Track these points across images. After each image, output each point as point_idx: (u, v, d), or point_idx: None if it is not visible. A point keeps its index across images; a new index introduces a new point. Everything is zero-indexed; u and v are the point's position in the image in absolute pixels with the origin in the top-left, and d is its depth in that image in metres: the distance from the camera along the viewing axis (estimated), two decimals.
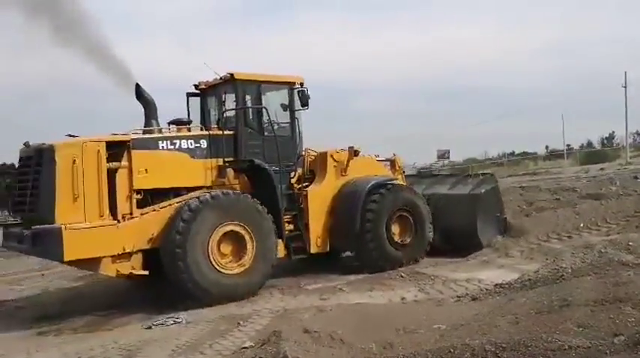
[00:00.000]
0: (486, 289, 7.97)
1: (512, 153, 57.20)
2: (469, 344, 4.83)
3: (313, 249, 10.49)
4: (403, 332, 6.15)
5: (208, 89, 10.88)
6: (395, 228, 10.96)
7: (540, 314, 5.62)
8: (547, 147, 58.83)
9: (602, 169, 25.81)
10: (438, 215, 11.60)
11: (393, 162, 12.42)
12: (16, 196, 9.36)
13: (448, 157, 51.37)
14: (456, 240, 11.65)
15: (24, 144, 9.22)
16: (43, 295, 11.61)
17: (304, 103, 10.49)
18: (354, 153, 11.09)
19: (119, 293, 10.69)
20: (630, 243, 7.78)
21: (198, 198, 9.05)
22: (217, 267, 8.95)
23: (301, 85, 10.58)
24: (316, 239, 10.51)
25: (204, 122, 10.81)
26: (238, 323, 7.51)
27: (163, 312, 8.59)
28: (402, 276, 9.98)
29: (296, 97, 10.54)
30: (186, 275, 8.65)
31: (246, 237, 9.26)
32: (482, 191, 12.04)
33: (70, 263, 8.48)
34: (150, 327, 7.91)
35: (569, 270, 7.17)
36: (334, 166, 10.91)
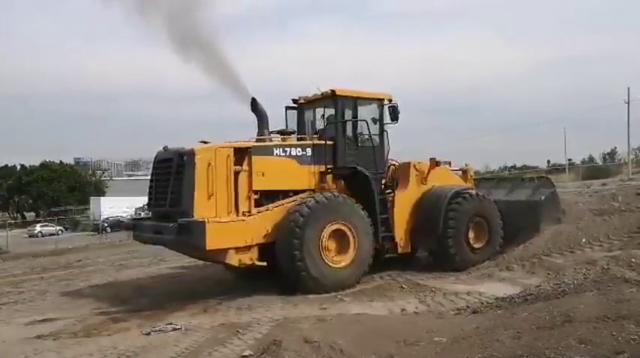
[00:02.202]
0: (487, 302, 7.91)
1: (514, 167, 57.19)
2: None
3: (399, 250, 11.45)
4: (404, 345, 6.11)
5: (307, 103, 12.08)
6: (471, 233, 11.83)
7: (542, 330, 5.58)
8: (549, 162, 58.78)
9: (604, 184, 25.73)
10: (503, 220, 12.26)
11: (465, 172, 13.37)
12: (154, 193, 10.60)
13: None
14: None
15: (163, 149, 10.54)
16: (41, 298, 11.61)
17: (394, 118, 11.48)
18: (435, 163, 12.12)
19: (120, 298, 10.69)
20: (633, 260, 7.72)
21: (314, 198, 10.19)
22: (326, 260, 10.05)
23: (389, 101, 11.67)
24: (400, 240, 11.47)
25: (301, 132, 11.90)
26: (238, 332, 7.46)
27: (163, 319, 8.56)
28: (402, 288, 9.94)
29: (386, 112, 11.62)
30: (302, 265, 9.74)
31: (349, 236, 10.37)
32: (543, 197, 12.69)
33: (209, 252, 9.41)
34: (149, 333, 7.86)
35: (572, 286, 7.13)
36: (416, 175, 11.95)
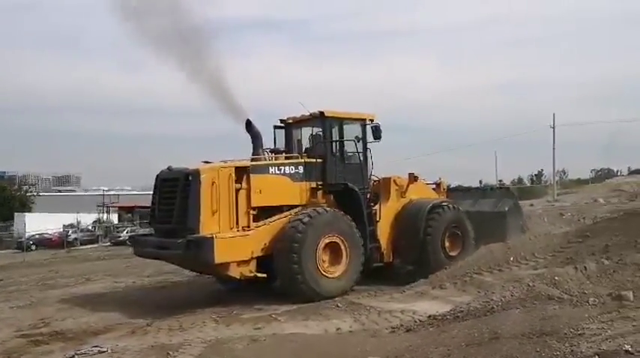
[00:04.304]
0: (420, 320, 8.03)
1: (449, 186, 58.59)
2: None
3: (384, 259, 12.37)
4: None
5: (294, 123, 12.82)
6: (447, 242, 12.85)
7: (471, 347, 5.72)
8: (480, 182, 60.71)
9: (531, 205, 26.84)
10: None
11: (439, 185, 14.50)
12: (158, 210, 11.18)
13: None
14: None
15: (167, 168, 11.20)
16: None
17: (377, 136, 12.22)
18: (414, 178, 13.17)
19: (43, 320, 10.15)
20: (556, 278, 8.04)
21: (308, 213, 10.85)
22: (322, 271, 10.79)
23: (371, 121, 12.38)
24: (385, 250, 12.39)
25: (289, 151, 12.63)
26: (168, 354, 7.23)
27: (88, 341, 8.19)
28: (337, 306, 9.95)
29: (369, 131, 12.33)
30: (300, 276, 10.43)
31: (342, 248, 11.15)
32: (507, 208, 13.85)
33: (217, 266, 10.04)
34: (73, 357, 7.49)
35: (499, 303, 7.34)
36: (396, 189, 12.91)
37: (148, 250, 11.48)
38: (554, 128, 47.37)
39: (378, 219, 12.31)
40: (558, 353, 5.11)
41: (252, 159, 11.58)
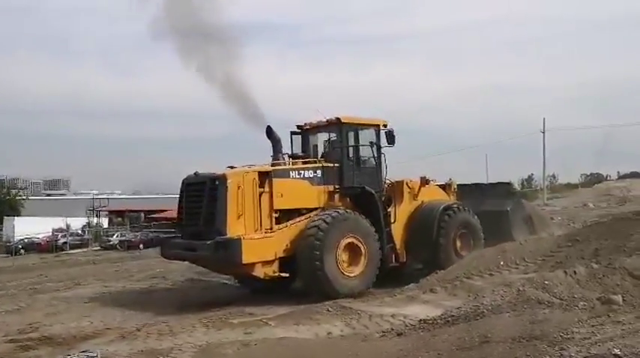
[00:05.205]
0: (411, 325, 8.03)
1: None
2: None
3: (400, 260, 12.81)
4: None
5: (311, 129, 13.29)
6: (458, 242, 13.30)
7: (462, 350, 5.74)
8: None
9: None
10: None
11: (449, 186, 14.84)
12: (185, 214, 11.74)
13: None
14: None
15: (194, 174, 11.77)
16: None
17: (391, 141, 12.66)
18: (425, 182, 13.60)
19: (32, 325, 10.06)
20: (546, 282, 8.08)
21: (331, 214, 11.37)
22: (342, 270, 11.25)
23: (385, 126, 12.82)
24: (399, 251, 12.81)
25: (306, 156, 12.99)
26: None
27: (77, 346, 8.12)
28: (328, 310, 9.91)
29: (382, 136, 12.77)
30: (321, 272, 10.88)
31: (361, 248, 11.61)
32: (508, 208, 14.47)
33: (244, 266, 10.57)
34: None
35: (490, 307, 7.37)
36: (408, 192, 13.35)
37: (176, 252, 11.99)
38: (544, 132, 47.78)
39: (393, 221, 12.79)
40: (548, 356, 5.14)
41: (273, 164, 12.14)
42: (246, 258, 10.44)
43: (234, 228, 10.68)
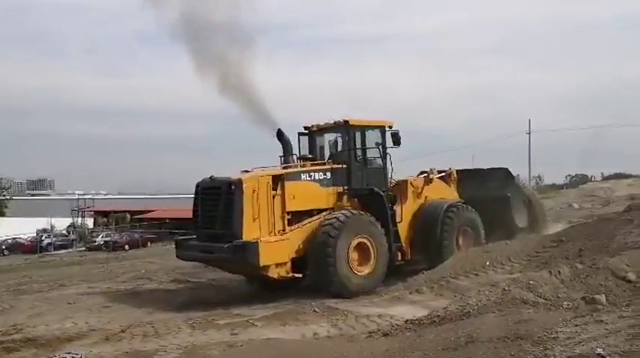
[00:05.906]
0: (397, 325, 8.04)
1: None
2: None
3: (406, 257, 13.11)
4: None
5: (318, 130, 13.50)
6: (461, 239, 13.65)
7: (447, 350, 5.75)
8: None
9: None
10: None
11: (449, 175, 14.98)
12: (201, 217, 11.89)
13: None
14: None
15: (209, 178, 11.92)
16: None
17: (397, 142, 12.97)
18: (429, 180, 13.96)
19: (15, 326, 9.94)
20: (531, 282, 8.13)
21: (343, 214, 11.67)
22: (353, 269, 11.56)
23: (390, 127, 13.11)
24: (405, 249, 13.13)
25: (314, 157, 13.28)
26: None
27: (61, 348, 8.04)
28: (315, 311, 9.92)
29: (388, 137, 13.06)
30: (333, 269, 11.17)
31: (370, 248, 11.92)
32: (509, 193, 14.72)
33: (262, 268, 10.82)
34: None
35: (475, 307, 7.40)
36: (412, 191, 13.66)
37: (192, 253, 12.26)
38: (529, 133, 48.24)
39: (399, 221, 13.09)
40: (532, 356, 5.16)
41: (284, 167, 12.43)
42: (263, 261, 10.71)
43: (249, 231, 10.93)
